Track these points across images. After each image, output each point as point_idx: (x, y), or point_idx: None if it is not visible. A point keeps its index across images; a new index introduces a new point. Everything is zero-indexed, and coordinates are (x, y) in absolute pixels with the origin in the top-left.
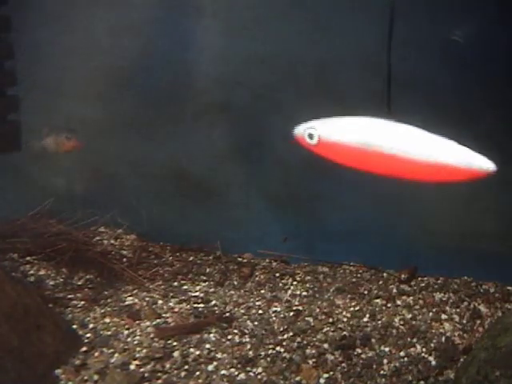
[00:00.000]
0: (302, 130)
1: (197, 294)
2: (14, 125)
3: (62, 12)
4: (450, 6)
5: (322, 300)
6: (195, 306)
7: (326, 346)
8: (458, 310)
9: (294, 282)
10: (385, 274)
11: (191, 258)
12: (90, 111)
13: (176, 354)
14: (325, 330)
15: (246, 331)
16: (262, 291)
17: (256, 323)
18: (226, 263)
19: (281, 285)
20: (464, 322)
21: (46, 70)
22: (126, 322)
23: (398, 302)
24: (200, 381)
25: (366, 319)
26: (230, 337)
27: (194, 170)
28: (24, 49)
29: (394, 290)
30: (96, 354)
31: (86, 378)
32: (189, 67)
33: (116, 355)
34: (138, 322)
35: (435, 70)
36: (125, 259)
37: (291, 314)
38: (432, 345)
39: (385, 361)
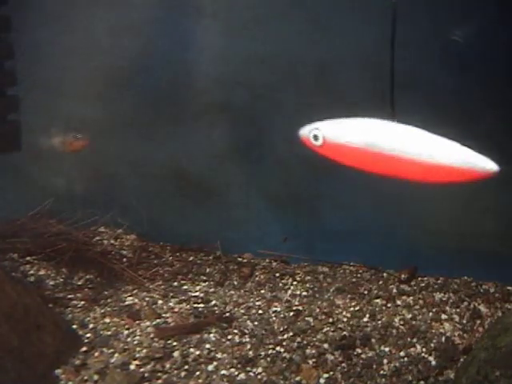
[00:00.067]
0: (307, 131)
1: (197, 293)
2: (14, 125)
3: (61, 12)
4: (450, 6)
5: (322, 300)
6: (195, 305)
7: (325, 345)
8: (457, 310)
9: (294, 282)
10: (385, 274)
11: (191, 258)
12: (90, 111)
13: (176, 354)
14: (325, 330)
15: (246, 331)
16: (262, 291)
17: (256, 323)
18: (225, 263)
19: (281, 285)
20: (464, 321)
21: (46, 70)
22: (126, 322)
23: (398, 302)
24: (200, 381)
25: (366, 319)
26: (230, 337)
27: (193, 169)
28: (24, 49)
29: (394, 290)
30: (96, 354)
31: (85, 377)
32: (189, 67)
33: (116, 355)
34: (138, 322)
35: (435, 69)
36: (125, 259)
37: (291, 314)
38: (432, 345)
39: (385, 361)
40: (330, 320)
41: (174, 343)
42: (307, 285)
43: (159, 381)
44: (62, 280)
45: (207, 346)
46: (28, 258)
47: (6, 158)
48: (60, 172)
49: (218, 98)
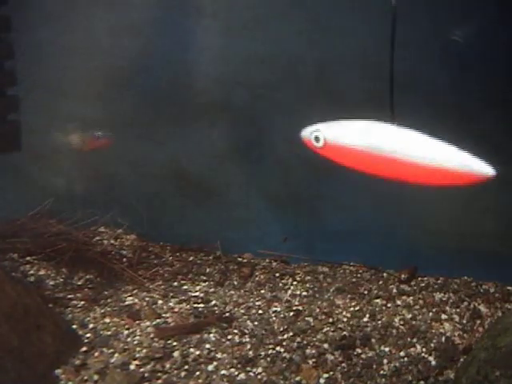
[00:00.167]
0: (308, 133)
1: (197, 293)
2: (14, 125)
3: (62, 12)
4: (450, 6)
5: (322, 300)
6: (195, 305)
7: (326, 345)
8: (457, 310)
9: (294, 282)
10: (385, 274)
11: (191, 258)
12: (90, 111)
13: (176, 354)
14: (325, 330)
15: (246, 331)
16: (262, 291)
17: (256, 323)
18: (225, 263)
19: (281, 285)
20: (464, 321)
21: (46, 70)
22: (126, 322)
23: (398, 302)
24: (200, 381)
25: (366, 319)
26: (230, 337)
27: (193, 169)
28: (24, 49)
29: (394, 290)
30: (96, 354)
31: (85, 377)
32: (189, 67)
33: (116, 355)
34: (138, 322)
35: (435, 69)
36: (125, 259)
37: (291, 313)
38: (432, 345)
39: (385, 361)
40: (330, 320)
41: (174, 343)
42: (307, 285)
43: (159, 381)
44: (62, 280)
45: (207, 346)
46: (28, 258)
47: (6, 158)
48: (60, 172)
49: (218, 98)
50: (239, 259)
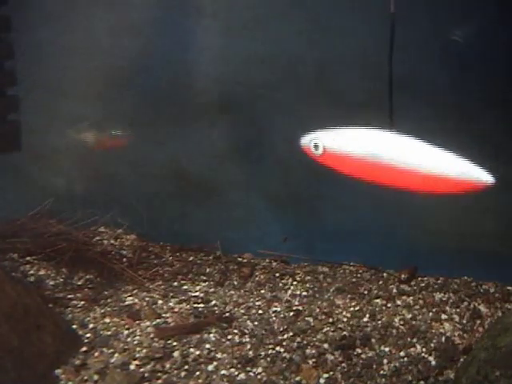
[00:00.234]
0: (307, 140)
1: (197, 293)
2: (14, 125)
3: (62, 12)
4: (450, 6)
5: (322, 300)
6: (195, 305)
7: (326, 345)
8: (457, 310)
9: (294, 282)
10: (385, 274)
11: (191, 258)
12: (90, 111)
13: (176, 354)
14: (325, 330)
15: (246, 331)
16: (262, 291)
17: (256, 323)
18: (225, 263)
19: (281, 285)
20: (464, 321)
21: (46, 70)
22: (126, 322)
23: (398, 302)
24: (200, 381)
25: (366, 319)
26: (230, 337)
27: (193, 169)
28: (24, 49)
29: (394, 290)
30: (96, 354)
31: (85, 377)
32: (189, 67)
33: (116, 355)
34: (138, 322)
35: (435, 70)
36: (125, 259)
37: (291, 313)
38: (432, 345)
39: (385, 361)
40: (330, 320)
41: (174, 343)
42: (307, 285)
43: (159, 381)
44: (62, 280)
45: (207, 346)
46: (28, 258)
47: (6, 158)
48: (60, 172)
49: (217, 98)
50: (239, 259)
